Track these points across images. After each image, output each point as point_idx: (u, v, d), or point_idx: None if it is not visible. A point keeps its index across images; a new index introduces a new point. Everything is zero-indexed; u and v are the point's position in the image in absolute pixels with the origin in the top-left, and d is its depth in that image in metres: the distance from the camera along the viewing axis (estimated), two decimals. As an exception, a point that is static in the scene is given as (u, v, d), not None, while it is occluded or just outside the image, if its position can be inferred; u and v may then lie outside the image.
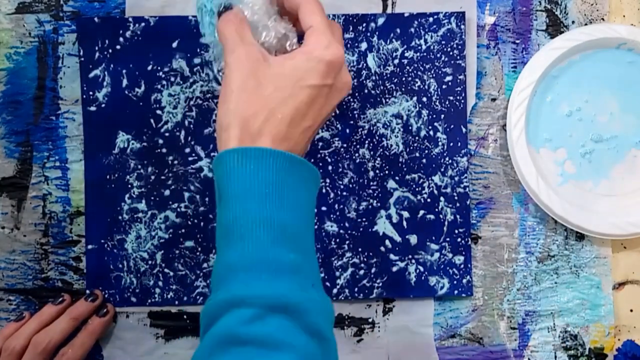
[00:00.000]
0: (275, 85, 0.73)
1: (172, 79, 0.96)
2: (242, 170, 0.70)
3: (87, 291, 0.95)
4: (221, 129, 0.74)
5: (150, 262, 0.96)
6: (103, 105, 0.95)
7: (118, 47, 0.96)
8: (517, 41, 1.00)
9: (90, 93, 0.95)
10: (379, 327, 0.98)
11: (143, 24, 0.96)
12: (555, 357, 0.99)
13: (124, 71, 0.96)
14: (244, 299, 0.66)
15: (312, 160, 0.96)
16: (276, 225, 0.70)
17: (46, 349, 0.88)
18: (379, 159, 0.96)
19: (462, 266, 0.97)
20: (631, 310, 1.00)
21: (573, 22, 0.99)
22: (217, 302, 0.68)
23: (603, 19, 1.00)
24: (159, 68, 0.96)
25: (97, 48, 0.95)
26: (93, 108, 0.95)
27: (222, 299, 0.67)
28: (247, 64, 0.74)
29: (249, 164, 0.71)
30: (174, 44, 0.96)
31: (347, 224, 0.96)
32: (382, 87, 0.97)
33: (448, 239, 0.97)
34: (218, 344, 0.66)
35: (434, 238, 0.96)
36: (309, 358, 0.66)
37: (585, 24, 0.99)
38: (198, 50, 0.96)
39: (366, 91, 0.97)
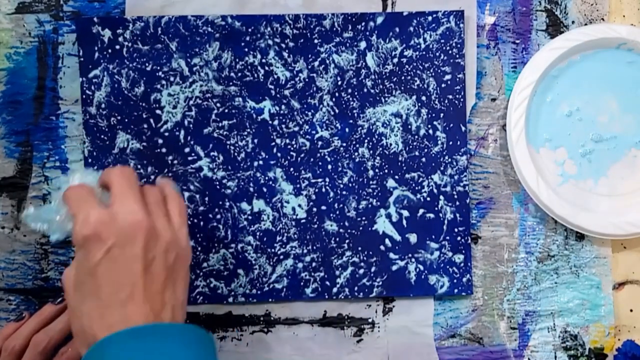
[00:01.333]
0: (78, 282, 0.75)
1: (172, 78, 0.96)
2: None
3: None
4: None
5: (150, 262, 0.96)
6: (103, 105, 0.95)
7: (117, 47, 0.96)
8: (517, 41, 1.00)
9: (90, 93, 0.95)
10: (379, 327, 0.98)
11: (142, 24, 0.96)
12: (555, 357, 0.99)
13: (123, 71, 0.96)
14: None
15: (312, 159, 0.96)
16: None
17: (46, 348, 0.87)
18: (378, 158, 0.97)
19: (462, 265, 0.97)
20: (631, 310, 1.00)
21: (573, 22, 1.00)
22: None
23: (603, 19, 1.00)
24: (158, 68, 0.96)
25: (96, 48, 0.96)
26: (93, 108, 0.95)
27: None
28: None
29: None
30: (174, 44, 0.96)
31: (346, 223, 0.96)
32: (381, 86, 0.97)
33: (448, 238, 0.97)
34: None
35: (433, 237, 0.96)
36: None
37: (585, 24, 0.99)
38: (197, 50, 0.96)
39: (365, 90, 0.97)
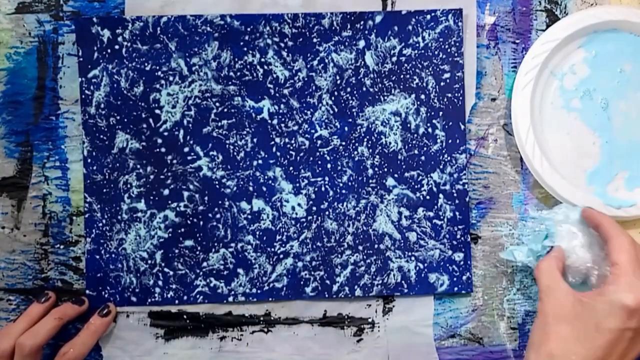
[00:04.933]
0: (574, 326, 0.78)
1: (171, 78, 0.96)
2: None
3: (80, 297, 0.95)
4: (539, 340, 0.81)
5: (149, 261, 0.96)
6: (102, 105, 0.96)
7: (117, 47, 0.96)
8: (517, 41, 1.00)
9: (89, 93, 0.96)
10: (379, 327, 0.98)
11: (141, 24, 0.96)
12: (556, 357, 0.99)
13: (122, 71, 0.96)
14: None
15: (311, 158, 0.97)
16: None
17: (31, 351, 0.87)
18: (377, 156, 0.97)
19: (461, 263, 0.97)
20: (632, 310, 1.00)
21: (572, 22, 1.00)
22: None
23: (602, 19, 1.00)
24: (157, 68, 0.96)
25: (95, 48, 0.96)
26: (92, 108, 0.96)
27: None
28: (553, 306, 0.82)
29: None
30: (173, 44, 0.96)
31: (346, 222, 0.96)
32: (380, 85, 0.97)
33: (447, 236, 0.97)
34: None
35: (433, 235, 0.96)
36: None
37: (585, 24, 1.00)
38: (196, 49, 0.96)
39: (364, 89, 0.97)
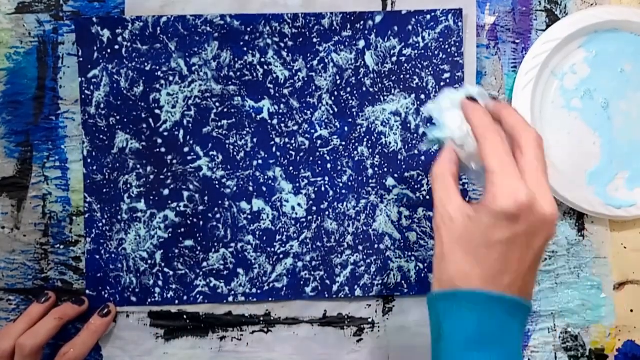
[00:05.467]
0: (466, 248, 0.74)
1: (171, 78, 0.96)
2: (467, 314, 0.72)
3: (80, 297, 0.96)
4: (433, 273, 0.77)
5: (149, 261, 0.96)
6: (102, 105, 0.96)
7: (116, 47, 0.96)
8: (517, 41, 1.00)
9: (89, 93, 0.96)
10: (379, 327, 0.98)
11: (141, 24, 0.96)
12: (556, 357, 0.99)
13: (122, 71, 0.96)
14: None
15: (311, 158, 0.97)
16: None
17: (32, 351, 0.87)
18: (377, 156, 0.97)
19: (461, 263, 0.97)
20: (631, 311, 1.00)
21: (572, 22, 1.00)
22: None
23: (602, 19, 1.00)
24: (157, 68, 0.96)
25: (95, 48, 0.96)
26: (92, 108, 0.96)
27: None
28: (446, 226, 0.76)
29: (476, 308, 0.72)
30: (173, 44, 0.96)
31: (346, 222, 0.96)
32: (380, 85, 0.97)
33: (447, 236, 0.97)
34: None
35: (433, 235, 0.96)
36: None
37: (585, 24, 1.00)
38: (196, 49, 0.96)
39: (364, 89, 0.97)
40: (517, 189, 0.71)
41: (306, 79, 0.96)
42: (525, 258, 0.73)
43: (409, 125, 0.97)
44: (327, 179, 0.96)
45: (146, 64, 0.96)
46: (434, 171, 0.78)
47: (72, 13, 0.96)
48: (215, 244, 0.96)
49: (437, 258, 0.76)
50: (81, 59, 0.96)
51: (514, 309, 0.72)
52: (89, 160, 0.96)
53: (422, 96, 0.97)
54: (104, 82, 0.95)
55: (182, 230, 0.96)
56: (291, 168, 0.96)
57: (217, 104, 0.96)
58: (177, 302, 0.96)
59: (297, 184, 0.96)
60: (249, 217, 0.96)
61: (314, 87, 0.96)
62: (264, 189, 0.96)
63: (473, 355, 0.71)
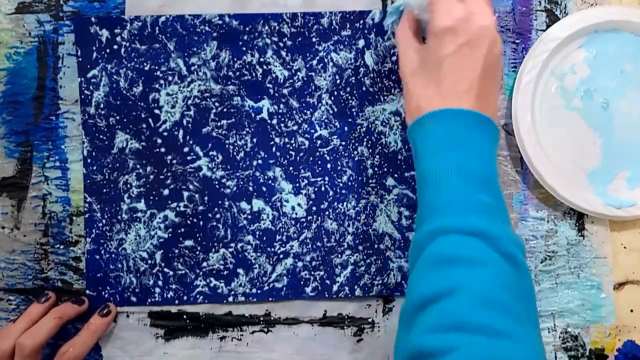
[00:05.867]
0: (423, 73, 0.85)
1: (170, 78, 0.96)
2: (434, 127, 0.81)
3: (80, 297, 0.96)
4: (408, 104, 0.86)
5: (149, 261, 0.96)
6: (101, 105, 0.96)
7: (115, 47, 0.96)
8: (517, 41, 1.00)
9: (88, 93, 0.96)
10: (379, 327, 0.98)
11: (140, 24, 0.96)
12: (556, 357, 0.99)
13: (121, 71, 0.96)
14: (445, 228, 0.76)
15: (311, 158, 0.97)
16: (464, 170, 0.79)
17: (32, 351, 0.87)
18: (377, 156, 0.97)
19: (461, 263, 0.97)
20: (631, 311, 1.00)
21: (572, 22, 1.00)
22: (424, 233, 0.77)
23: (602, 19, 1.00)
24: (156, 67, 0.96)
25: (94, 48, 0.96)
26: (91, 108, 0.96)
27: (428, 230, 0.77)
28: (405, 63, 0.87)
29: (440, 122, 0.81)
30: (171, 44, 0.96)
31: (346, 222, 0.96)
32: (380, 85, 0.97)
33: (447, 236, 0.97)
34: (430, 264, 0.75)
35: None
36: (502, 275, 0.74)
37: (585, 24, 1.00)
38: (195, 49, 0.96)
39: (364, 89, 0.97)
40: (452, 7, 0.82)
41: (305, 78, 0.96)
42: (474, 66, 0.82)
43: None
44: (327, 178, 0.96)
45: (145, 64, 0.96)
46: (397, 34, 0.89)
47: (72, 13, 0.97)
48: (215, 244, 0.96)
49: (405, 98, 0.87)
50: (80, 59, 0.96)
51: (473, 119, 0.81)
52: (89, 160, 0.96)
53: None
54: (103, 82, 0.96)
55: (182, 230, 0.96)
56: (291, 168, 0.96)
57: (217, 104, 0.96)
58: (177, 302, 0.96)
59: (297, 184, 0.96)
60: (249, 217, 0.96)
61: (313, 87, 0.96)
62: (264, 189, 0.96)
63: (446, 154, 0.80)
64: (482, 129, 0.81)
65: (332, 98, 0.96)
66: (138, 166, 0.96)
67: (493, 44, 0.82)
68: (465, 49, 0.81)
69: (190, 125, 0.96)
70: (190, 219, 0.96)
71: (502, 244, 0.75)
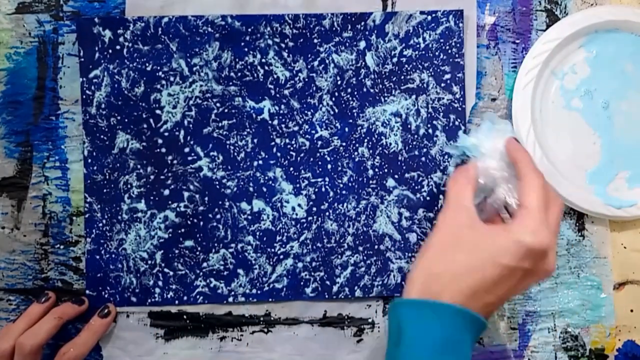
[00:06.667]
0: (469, 252, 0.79)
1: (172, 78, 0.96)
2: (417, 321, 0.76)
3: (80, 297, 0.96)
4: (409, 277, 0.81)
5: (149, 261, 0.96)
6: (103, 106, 0.96)
7: (118, 47, 0.96)
8: (517, 41, 1.00)
9: (90, 93, 0.96)
10: (378, 327, 0.98)
11: (143, 24, 0.96)
12: (556, 357, 0.99)
13: (123, 71, 0.96)
14: None
15: (312, 159, 0.97)
16: None
17: (32, 351, 0.87)
18: (378, 157, 0.97)
19: (461, 264, 0.97)
20: (631, 311, 1.00)
21: (573, 22, 1.00)
22: None
23: (603, 19, 1.00)
24: (158, 68, 0.96)
25: (97, 48, 0.96)
26: (92, 108, 0.96)
27: None
28: (451, 225, 0.81)
29: (426, 316, 0.76)
30: (174, 44, 0.96)
31: (346, 223, 0.96)
32: (380, 86, 0.97)
33: (447, 237, 0.97)
34: None
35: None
36: None
37: (585, 24, 1.00)
38: (197, 50, 0.96)
39: (365, 90, 0.97)
40: (546, 234, 0.77)
41: (307, 79, 0.96)
42: (512, 290, 0.79)
43: (409, 126, 0.97)
44: (327, 179, 0.96)
45: (147, 64, 0.96)
46: (455, 175, 0.86)
47: (72, 13, 0.96)
48: (216, 245, 0.96)
49: (432, 247, 0.81)
50: (82, 59, 0.96)
51: (476, 325, 0.77)
52: (90, 161, 0.96)
53: (423, 97, 0.97)
54: (105, 83, 0.95)
55: (182, 230, 0.96)
56: (291, 169, 0.96)
57: (218, 105, 0.96)
58: (177, 302, 0.96)
59: (298, 185, 0.96)
60: (249, 217, 0.96)
61: (314, 88, 0.96)
62: (264, 189, 0.96)
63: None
64: (476, 333, 0.79)
65: (333, 99, 0.96)
66: (139, 166, 0.96)
67: (539, 281, 0.85)
68: (519, 273, 0.78)
69: (191, 125, 0.96)
70: (191, 219, 0.96)
71: None
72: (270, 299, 0.97)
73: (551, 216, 0.80)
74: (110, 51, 0.96)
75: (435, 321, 0.76)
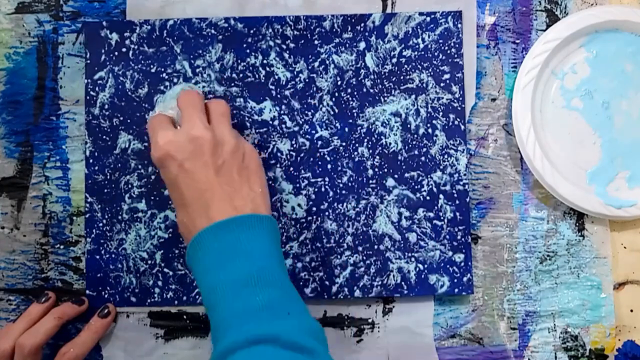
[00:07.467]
0: (171, 196, 0.89)
1: (175, 80, 0.96)
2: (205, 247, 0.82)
3: (80, 297, 0.96)
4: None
5: (149, 261, 0.96)
6: (106, 106, 0.96)
7: (124, 49, 0.96)
8: (517, 41, 1.00)
9: (94, 94, 0.96)
10: (378, 327, 0.98)
11: (149, 27, 0.96)
12: (556, 357, 0.99)
13: (128, 73, 0.96)
14: (229, 348, 0.74)
15: (312, 159, 0.97)
16: (238, 277, 0.79)
17: (31, 351, 0.87)
18: (377, 157, 0.97)
19: (462, 264, 0.96)
20: (631, 311, 1.00)
21: (573, 22, 1.00)
22: (214, 358, 0.76)
23: (603, 19, 1.00)
24: (162, 69, 0.96)
25: (103, 51, 0.96)
26: (96, 109, 0.96)
27: (216, 355, 0.75)
28: None
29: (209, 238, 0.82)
30: (178, 46, 0.96)
31: (346, 223, 0.96)
32: (380, 86, 0.97)
33: (448, 237, 0.96)
34: None
35: (433, 236, 0.96)
36: None
37: (585, 24, 1.00)
38: (200, 51, 0.96)
39: (365, 90, 0.97)
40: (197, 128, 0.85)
41: (307, 80, 0.96)
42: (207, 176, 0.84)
43: (409, 126, 0.97)
44: (327, 179, 0.96)
45: (152, 66, 0.96)
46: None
47: (72, 13, 0.97)
48: (216, 245, 0.96)
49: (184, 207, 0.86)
50: (88, 61, 0.96)
51: (236, 224, 0.82)
52: (91, 161, 0.96)
53: (422, 97, 0.97)
54: (110, 84, 0.96)
55: (183, 230, 0.96)
56: (291, 168, 0.96)
57: (219, 105, 0.96)
58: (176, 302, 0.96)
59: (297, 185, 0.96)
60: (249, 217, 0.96)
61: (314, 88, 0.96)
62: (264, 189, 0.96)
63: (215, 269, 0.80)
64: (248, 227, 0.82)
65: (333, 99, 0.97)
66: (139, 166, 0.96)
67: (214, 146, 0.86)
68: (182, 175, 0.85)
69: (191, 125, 0.96)
70: (191, 219, 0.96)
71: (287, 339, 0.74)
72: (270, 299, 0.97)
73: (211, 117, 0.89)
74: (116, 53, 0.96)
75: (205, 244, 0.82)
